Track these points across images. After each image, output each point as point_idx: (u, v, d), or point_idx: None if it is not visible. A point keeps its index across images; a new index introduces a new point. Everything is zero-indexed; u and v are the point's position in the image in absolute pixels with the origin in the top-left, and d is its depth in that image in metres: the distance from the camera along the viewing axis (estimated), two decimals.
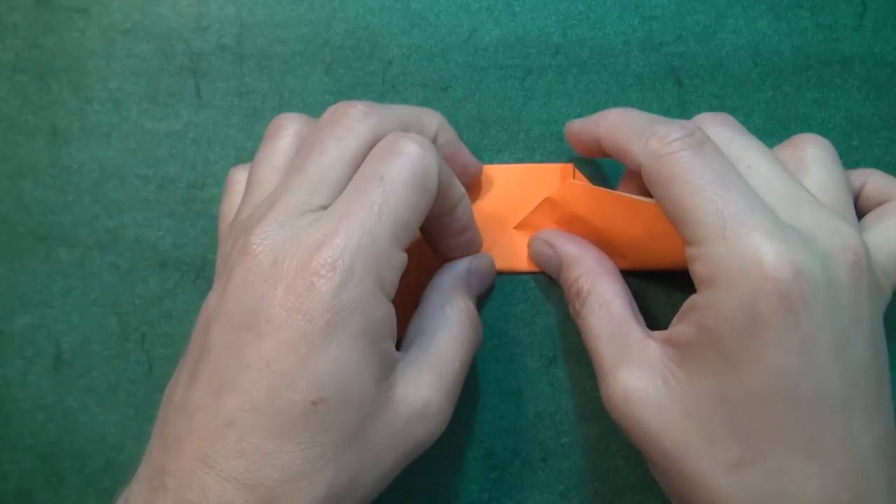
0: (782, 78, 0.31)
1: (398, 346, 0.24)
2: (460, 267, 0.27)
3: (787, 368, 0.20)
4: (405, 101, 0.31)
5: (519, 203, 0.29)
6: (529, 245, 0.29)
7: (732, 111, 0.30)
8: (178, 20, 0.31)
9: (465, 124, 0.31)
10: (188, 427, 0.21)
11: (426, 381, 0.23)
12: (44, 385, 0.30)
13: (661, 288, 0.29)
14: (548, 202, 0.28)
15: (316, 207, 0.22)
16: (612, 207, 0.26)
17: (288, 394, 0.20)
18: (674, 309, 0.25)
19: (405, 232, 0.22)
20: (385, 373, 0.22)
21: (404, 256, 0.22)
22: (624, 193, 0.26)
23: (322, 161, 0.23)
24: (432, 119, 0.26)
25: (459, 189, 0.25)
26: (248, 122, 0.31)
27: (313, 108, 0.31)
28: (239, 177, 0.27)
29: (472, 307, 0.26)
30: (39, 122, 0.31)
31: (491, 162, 0.30)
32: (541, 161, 0.30)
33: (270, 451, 0.20)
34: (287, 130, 0.25)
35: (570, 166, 0.30)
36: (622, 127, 0.25)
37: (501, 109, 0.31)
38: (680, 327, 0.23)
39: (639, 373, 0.23)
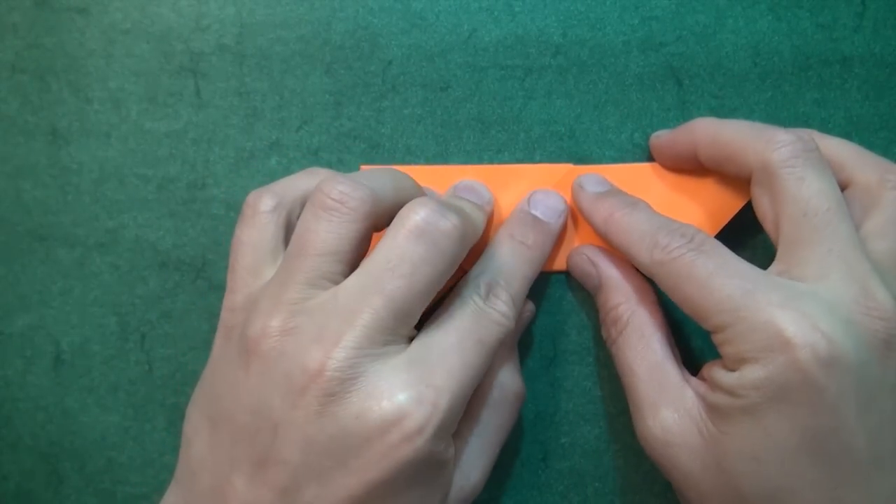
0: (782, 78, 0.31)
1: None
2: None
3: (815, 428, 0.21)
4: (405, 101, 0.31)
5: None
6: (570, 258, 0.29)
7: (732, 111, 0.30)
8: (177, 20, 0.31)
9: (465, 124, 0.31)
10: None
11: (476, 474, 0.25)
12: (44, 385, 0.30)
13: None
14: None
15: (399, 339, 0.22)
16: (617, 182, 0.29)
17: None
18: (679, 310, 0.25)
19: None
20: (447, 489, 0.24)
21: None
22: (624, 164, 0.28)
23: (411, 286, 0.22)
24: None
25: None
26: (248, 122, 0.31)
27: (313, 109, 0.31)
28: (263, 207, 0.24)
29: (519, 383, 0.27)
30: (39, 122, 0.31)
31: (491, 162, 0.30)
32: (541, 161, 0.30)
33: None
34: (355, 214, 0.23)
35: (569, 166, 0.30)
36: (628, 239, 0.26)
37: (501, 109, 0.31)
38: (716, 395, 0.23)
39: (677, 417, 0.24)
